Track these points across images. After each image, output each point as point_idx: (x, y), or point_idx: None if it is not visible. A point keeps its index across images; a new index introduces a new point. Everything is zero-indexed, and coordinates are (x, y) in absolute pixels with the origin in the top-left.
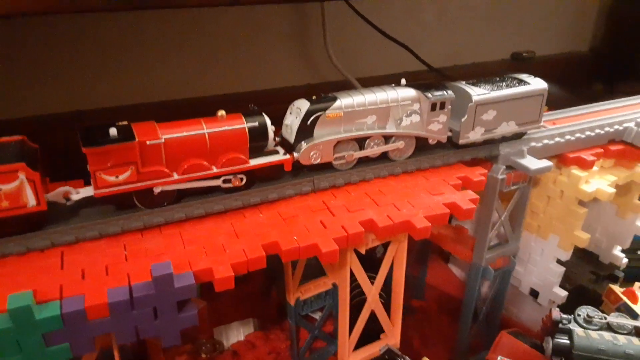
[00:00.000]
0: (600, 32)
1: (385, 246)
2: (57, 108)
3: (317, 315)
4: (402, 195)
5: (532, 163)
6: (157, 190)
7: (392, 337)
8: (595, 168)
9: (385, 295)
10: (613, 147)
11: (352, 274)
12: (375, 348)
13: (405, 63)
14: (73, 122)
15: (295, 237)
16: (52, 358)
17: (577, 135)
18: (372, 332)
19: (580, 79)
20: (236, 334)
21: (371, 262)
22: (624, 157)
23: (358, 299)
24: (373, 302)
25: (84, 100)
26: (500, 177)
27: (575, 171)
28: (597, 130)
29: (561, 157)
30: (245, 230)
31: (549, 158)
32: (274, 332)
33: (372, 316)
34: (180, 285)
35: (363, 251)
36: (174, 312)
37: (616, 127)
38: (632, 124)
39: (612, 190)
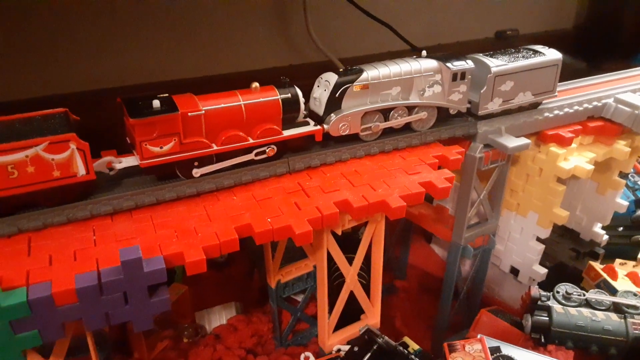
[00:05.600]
0: (583, 9)
1: None
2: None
3: (300, 298)
4: (378, 175)
5: (509, 141)
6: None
7: (372, 318)
8: (574, 145)
9: (367, 276)
10: (592, 124)
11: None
12: (355, 329)
13: (388, 43)
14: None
15: (268, 219)
16: (22, 345)
17: (556, 112)
18: (355, 313)
19: (564, 56)
20: (218, 318)
21: (354, 243)
22: (602, 133)
23: (339, 281)
24: (352, 283)
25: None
26: (478, 155)
27: (554, 148)
28: (576, 107)
29: (540, 134)
30: (218, 214)
31: (528, 136)
32: (256, 316)
33: (354, 297)
34: (149, 270)
35: (339, 232)
36: (145, 297)
37: (595, 103)
38: (610, 100)
39: (591, 167)
